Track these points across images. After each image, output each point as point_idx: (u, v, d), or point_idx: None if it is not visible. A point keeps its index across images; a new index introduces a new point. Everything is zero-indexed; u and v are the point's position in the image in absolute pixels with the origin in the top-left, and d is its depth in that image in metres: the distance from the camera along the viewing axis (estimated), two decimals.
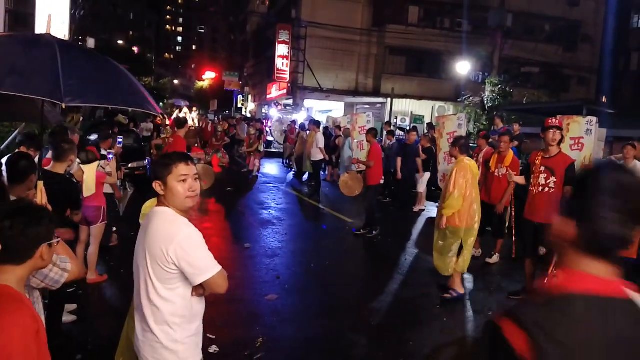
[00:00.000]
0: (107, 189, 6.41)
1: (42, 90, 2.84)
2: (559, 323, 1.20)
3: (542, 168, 5.80)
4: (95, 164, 4.98)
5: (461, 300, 6.15)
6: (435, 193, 13.04)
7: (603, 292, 1.25)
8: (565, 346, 1.18)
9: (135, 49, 53.82)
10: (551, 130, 5.78)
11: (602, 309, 1.23)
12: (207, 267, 2.36)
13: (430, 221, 10.89)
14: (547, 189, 5.75)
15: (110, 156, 6.69)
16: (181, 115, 23.78)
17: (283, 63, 27.46)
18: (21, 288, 1.98)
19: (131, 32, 60.32)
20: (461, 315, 5.79)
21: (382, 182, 9.78)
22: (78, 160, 4.80)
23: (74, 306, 4.93)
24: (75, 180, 4.83)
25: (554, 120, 5.93)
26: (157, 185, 2.45)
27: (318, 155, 13.98)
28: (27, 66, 2.89)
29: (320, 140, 14.10)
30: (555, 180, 5.69)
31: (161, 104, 46.84)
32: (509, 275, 7.17)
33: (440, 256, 6.10)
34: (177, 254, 2.30)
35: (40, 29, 15.60)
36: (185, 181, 2.43)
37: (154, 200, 3.32)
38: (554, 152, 5.82)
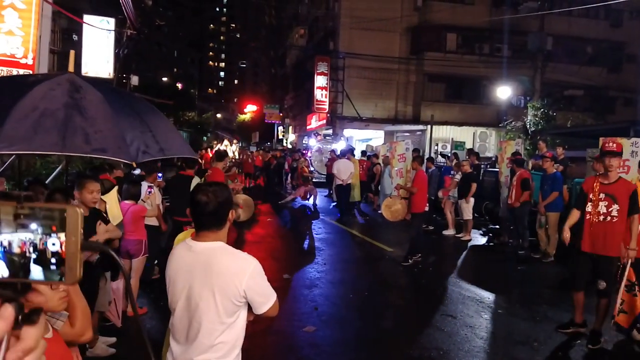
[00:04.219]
0: (149, 222, 6.51)
1: None
2: None
3: (602, 195, 5.37)
4: (114, 190, 5.04)
5: (505, 330, 5.93)
6: (479, 220, 12.76)
7: None
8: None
9: (179, 85, 55.37)
10: (607, 157, 5.35)
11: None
12: (271, 294, 2.48)
13: (476, 248, 10.64)
14: (608, 218, 5.32)
15: (151, 190, 6.83)
16: (222, 147, 24.25)
17: (322, 94, 27.74)
18: None
19: (175, 69, 62.18)
20: (506, 347, 5.56)
21: (427, 209, 9.53)
22: None
23: (112, 339, 4.97)
24: (104, 214, 4.92)
25: (611, 144, 5.43)
26: (232, 214, 2.53)
27: (342, 181, 14.45)
28: None
29: (336, 165, 14.75)
30: (619, 208, 5.26)
31: (204, 137, 47.91)
32: (556, 304, 6.86)
33: None
34: (250, 286, 2.38)
35: (84, 68, 16.37)
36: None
37: (186, 233, 3.36)
38: (613, 177, 5.39)
